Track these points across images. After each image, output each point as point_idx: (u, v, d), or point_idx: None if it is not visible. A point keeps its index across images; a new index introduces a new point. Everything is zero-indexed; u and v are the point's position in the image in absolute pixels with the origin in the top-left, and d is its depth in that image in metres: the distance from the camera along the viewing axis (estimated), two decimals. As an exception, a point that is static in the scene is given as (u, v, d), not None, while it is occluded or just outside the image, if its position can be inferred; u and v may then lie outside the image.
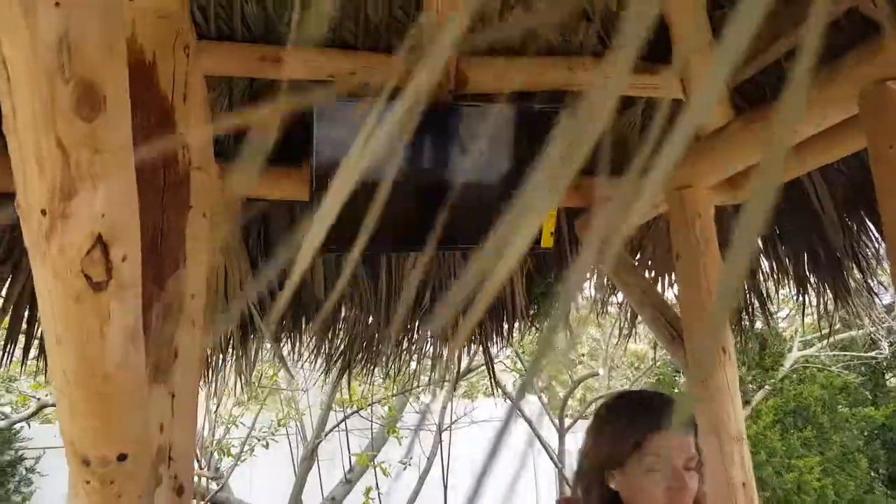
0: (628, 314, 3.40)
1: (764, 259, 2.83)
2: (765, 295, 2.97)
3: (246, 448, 5.19)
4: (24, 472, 5.43)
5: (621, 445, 1.27)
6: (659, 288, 3.04)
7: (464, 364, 3.64)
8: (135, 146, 0.96)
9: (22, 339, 2.56)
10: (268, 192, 2.19)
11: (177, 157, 1.09)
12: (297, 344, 3.31)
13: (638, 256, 2.96)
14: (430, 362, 3.55)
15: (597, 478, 1.32)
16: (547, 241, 2.26)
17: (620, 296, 3.45)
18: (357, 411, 5.37)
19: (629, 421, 1.29)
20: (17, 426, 5.20)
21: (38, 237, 0.75)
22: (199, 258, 1.37)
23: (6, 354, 2.87)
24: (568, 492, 5.65)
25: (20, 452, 5.42)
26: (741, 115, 1.92)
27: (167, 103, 1.06)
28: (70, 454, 0.91)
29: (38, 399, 4.54)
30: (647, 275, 3.01)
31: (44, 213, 0.73)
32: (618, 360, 7.00)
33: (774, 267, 2.81)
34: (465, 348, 3.46)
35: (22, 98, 0.67)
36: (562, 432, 5.74)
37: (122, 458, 0.91)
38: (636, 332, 3.48)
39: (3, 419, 4.61)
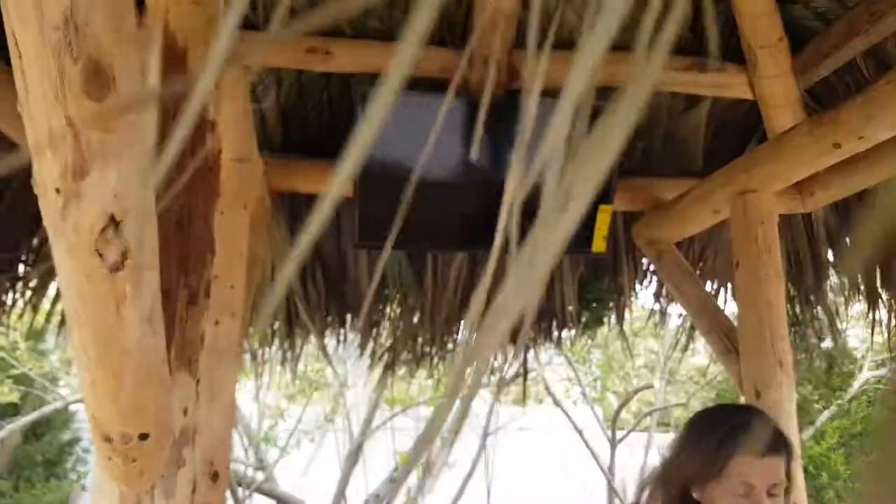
0: (688, 325, 3.27)
1: (833, 273, 2.67)
2: (834, 311, 2.80)
3: (292, 441, 5.27)
4: (80, 453, 5.64)
5: (707, 466, 1.28)
6: (721, 299, 2.91)
7: (513, 370, 3.56)
8: (163, 131, 0.95)
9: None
10: (313, 186, 2.18)
11: (205, 144, 1.07)
12: (342, 340, 3.32)
13: (700, 265, 2.84)
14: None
15: (678, 491, 1.34)
16: (599, 246, 2.18)
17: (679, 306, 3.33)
18: (403, 410, 5.37)
19: (719, 442, 1.29)
20: (73, 408, 5.43)
21: (54, 215, 0.74)
22: (239, 250, 1.36)
23: (63, 339, 2.98)
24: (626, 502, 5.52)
25: (77, 434, 5.64)
26: (810, 118, 1.80)
27: (197, 89, 1.05)
28: (93, 430, 0.91)
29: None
30: (707, 285, 2.89)
31: (57, 191, 0.71)
32: (676, 374, 6.78)
33: (845, 282, 2.65)
34: (514, 354, 3.40)
35: (33, 77, 0.66)
36: (613, 444, 5.59)
37: (143, 437, 0.91)
38: (696, 346, 3.36)
39: (60, 401, 4.80)
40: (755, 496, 1.24)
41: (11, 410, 4.84)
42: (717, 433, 1.32)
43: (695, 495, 1.34)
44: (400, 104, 1.83)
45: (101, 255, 0.74)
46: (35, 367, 4.91)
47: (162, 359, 0.88)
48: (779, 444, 1.29)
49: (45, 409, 4.51)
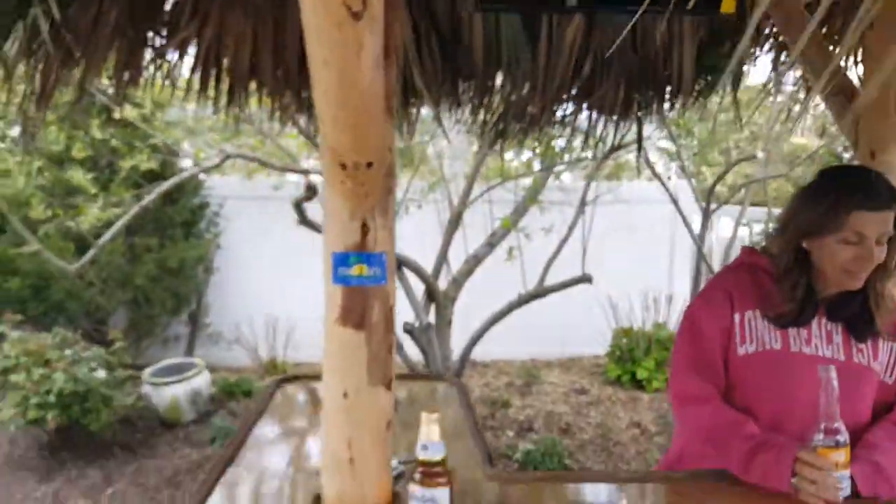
0: (802, 95, 3.21)
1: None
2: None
3: (401, 208, 5.71)
4: (210, 216, 6.31)
5: (825, 220, 1.48)
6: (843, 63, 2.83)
7: (615, 140, 3.62)
8: None
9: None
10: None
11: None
12: (454, 109, 3.41)
13: (826, 28, 2.73)
14: (583, 136, 3.57)
15: (794, 239, 1.56)
16: (728, 6, 2.13)
17: (794, 76, 3.25)
18: (501, 183, 5.63)
19: (836, 198, 1.47)
20: (201, 177, 5.97)
21: (307, -27, 0.89)
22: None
23: (196, 110, 3.24)
24: (704, 270, 5.81)
25: (205, 199, 6.26)
26: None
27: None
28: (329, 159, 1.13)
29: (223, 152, 5.07)
30: (832, 49, 2.80)
31: (312, -49, 0.86)
32: (779, 148, 6.65)
33: None
34: (619, 122, 3.41)
35: None
36: (707, 214, 5.74)
37: (369, 165, 1.13)
38: (803, 124, 3.31)
39: (194, 168, 5.26)
40: (866, 244, 1.44)
41: (150, 176, 5.39)
42: (837, 189, 1.48)
43: (804, 244, 1.54)
44: None
45: (347, 6, 0.90)
46: (169, 136, 5.37)
47: (384, 101, 1.08)
48: (891, 199, 1.45)
49: (183, 175, 4.99)
